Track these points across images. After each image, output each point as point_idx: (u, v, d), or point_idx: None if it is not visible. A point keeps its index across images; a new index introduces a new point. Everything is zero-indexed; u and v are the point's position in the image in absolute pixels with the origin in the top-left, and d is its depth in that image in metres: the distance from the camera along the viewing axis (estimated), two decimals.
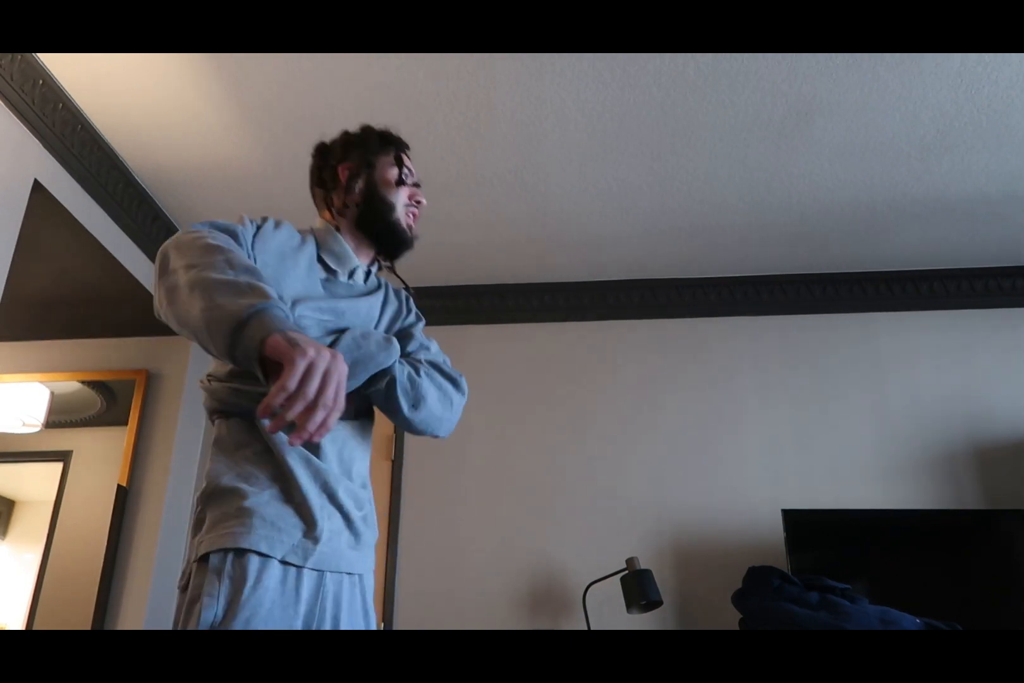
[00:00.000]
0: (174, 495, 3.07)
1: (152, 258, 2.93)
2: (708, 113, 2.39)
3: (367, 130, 1.45)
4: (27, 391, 3.17)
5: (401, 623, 2.86)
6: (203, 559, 1.09)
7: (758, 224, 2.94)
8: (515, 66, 2.21)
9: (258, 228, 1.25)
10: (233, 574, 1.05)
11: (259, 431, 1.18)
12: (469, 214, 2.90)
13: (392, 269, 1.47)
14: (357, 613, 1.20)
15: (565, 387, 3.25)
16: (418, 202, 1.43)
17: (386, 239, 1.40)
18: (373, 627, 1.24)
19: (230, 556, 1.07)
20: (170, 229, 2.95)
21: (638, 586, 2.66)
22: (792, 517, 2.69)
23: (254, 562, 1.07)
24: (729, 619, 2.55)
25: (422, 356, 1.37)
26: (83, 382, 3.24)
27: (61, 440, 3.19)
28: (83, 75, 2.26)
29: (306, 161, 2.70)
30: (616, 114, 2.40)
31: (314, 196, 1.47)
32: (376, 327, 1.37)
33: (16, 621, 2.85)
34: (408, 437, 3.20)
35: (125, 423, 3.12)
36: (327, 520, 1.16)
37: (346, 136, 1.45)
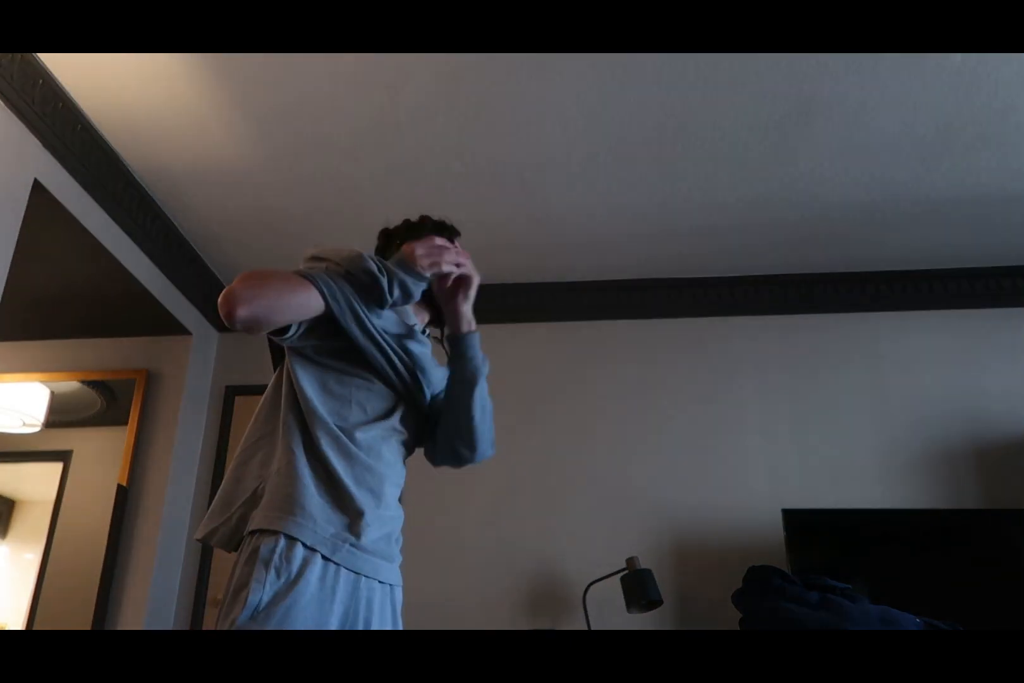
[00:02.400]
0: (174, 495, 3.07)
1: (152, 258, 2.93)
2: (708, 113, 2.39)
3: (424, 219, 1.62)
4: (27, 391, 3.17)
5: (400, 623, 2.85)
6: (254, 546, 1.19)
7: (758, 224, 2.94)
8: (515, 66, 2.21)
9: None
10: (279, 565, 1.16)
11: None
12: (469, 214, 2.89)
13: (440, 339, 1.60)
14: (387, 621, 1.30)
15: (565, 387, 3.24)
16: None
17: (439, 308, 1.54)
18: None
19: (280, 547, 1.18)
20: (170, 229, 2.95)
21: (638, 586, 2.66)
22: (792, 517, 2.69)
23: (299, 554, 1.18)
24: (729, 619, 2.55)
25: None
26: (83, 382, 3.23)
27: (61, 440, 3.19)
28: (83, 75, 2.26)
29: (306, 161, 2.70)
30: (616, 114, 2.39)
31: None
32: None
33: (16, 621, 2.85)
34: None
35: (125, 423, 3.12)
36: (370, 527, 1.27)
37: (407, 224, 1.62)
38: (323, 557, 1.20)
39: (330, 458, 1.27)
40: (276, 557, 1.17)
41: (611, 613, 2.76)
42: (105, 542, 2.90)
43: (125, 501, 2.99)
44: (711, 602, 2.79)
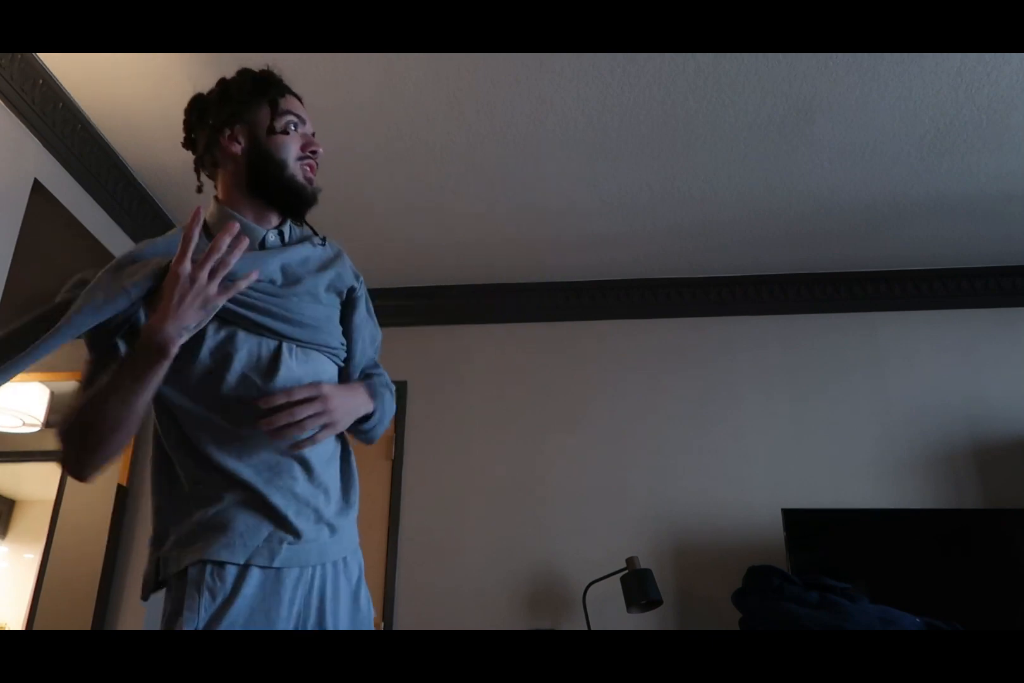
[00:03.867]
0: None
1: None
2: (708, 113, 2.39)
3: (242, 75, 1.28)
4: (27, 391, 3.17)
5: (401, 623, 2.86)
6: (180, 573, 1.08)
7: (758, 224, 2.94)
8: (515, 66, 2.21)
9: (134, 262, 1.15)
10: (212, 584, 1.05)
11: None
12: (469, 214, 2.90)
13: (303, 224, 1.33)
14: (345, 599, 1.18)
15: (565, 387, 3.24)
16: (313, 152, 1.27)
17: (284, 201, 1.25)
18: (365, 609, 1.22)
19: (208, 568, 1.06)
20: (170, 229, 2.94)
21: (638, 585, 2.66)
22: (792, 517, 2.69)
23: (231, 571, 1.06)
24: (729, 619, 2.55)
25: (376, 370, 1.36)
26: None
27: None
28: (83, 75, 2.26)
29: None
30: (616, 114, 2.40)
31: (198, 167, 1.32)
32: (311, 275, 1.26)
33: (16, 621, 2.86)
34: (408, 437, 3.20)
35: None
36: (297, 518, 1.14)
37: (221, 86, 1.29)
38: (260, 568, 1.08)
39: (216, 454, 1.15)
40: (208, 577, 1.05)
41: (611, 613, 2.76)
42: (105, 542, 2.90)
43: (125, 501, 2.99)
44: (711, 602, 2.79)
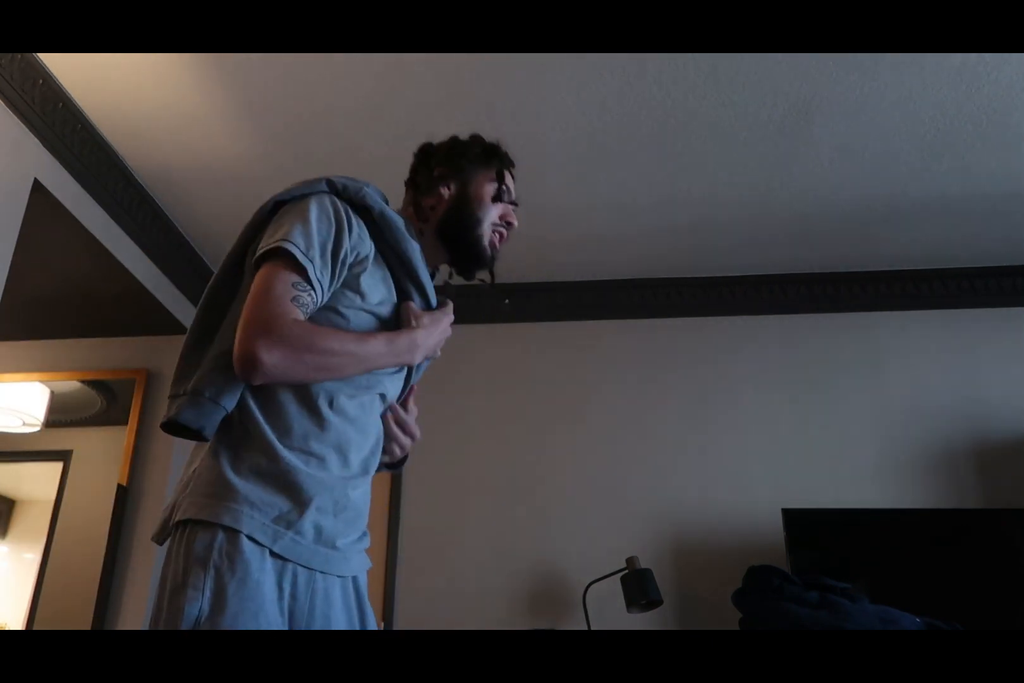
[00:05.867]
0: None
1: (152, 257, 2.93)
2: (708, 113, 2.39)
3: (475, 138, 1.41)
4: (27, 391, 3.17)
5: (401, 623, 2.86)
6: (185, 529, 1.03)
7: (758, 224, 2.94)
8: (515, 66, 2.21)
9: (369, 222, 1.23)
10: (220, 563, 0.98)
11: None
12: None
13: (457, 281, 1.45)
14: (352, 609, 1.14)
15: (565, 387, 3.24)
16: (508, 223, 1.38)
17: (463, 254, 1.35)
18: (371, 622, 1.19)
19: (218, 542, 1.00)
20: (170, 228, 2.95)
21: (638, 585, 2.66)
22: (792, 517, 2.68)
23: (243, 552, 1.00)
24: (729, 619, 2.55)
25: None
26: (83, 382, 3.23)
27: (61, 440, 3.19)
28: (83, 75, 2.26)
29: (306, 161, 2.70)
30: (616, 114, 2.39)
31: (406, 194, 1.42)
32: None
33: (16, 621, 2.85)
34: None
35: (125, 423, 3.12)
36: (346, 528, 1.13)
37: (452, 141, 1.42)
38: (271, 553, 1.02)
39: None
40: (215, 554, 0.99)
41: (611, 613, 2.76)
42: (105, 542, 2.90)
43: (125, 501, 2.99)
44: (711, 602, 2.79)
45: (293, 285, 1.05)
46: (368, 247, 1.18)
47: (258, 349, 0.98)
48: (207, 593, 0.96)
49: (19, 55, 2.12)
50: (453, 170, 1.35)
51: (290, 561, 1.04)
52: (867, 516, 2.76)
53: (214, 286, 1.18)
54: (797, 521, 2.68)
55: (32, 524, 3.08)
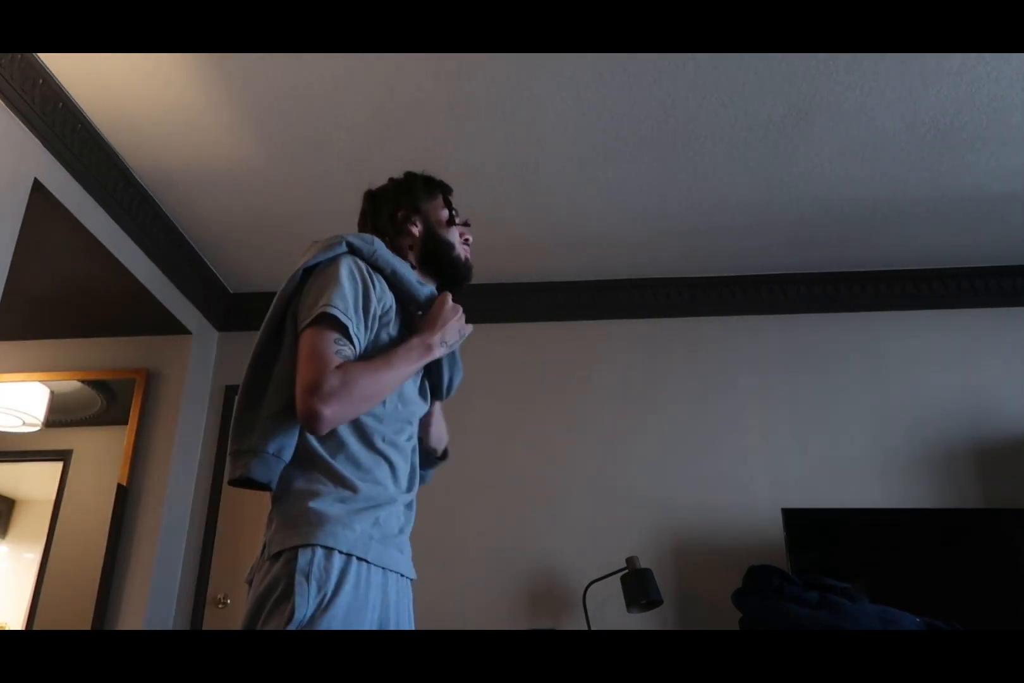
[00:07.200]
0: (174, 495, 3.07)
1: (152, 257, 2.93)
2: (708, 113, 2.39)
3: (410, 177, 1.61)
4: (27, 391, 3.17)
5: None
6: (281, 556, 1.17)
7: (758, 224, 2.94)
8: (515, 66, 2.21)
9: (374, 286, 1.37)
10: (320, 576, 1.14)
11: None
12: (469, 214, 2.88)
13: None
14: (409, 614, 1.30)
15: (565, 387, 3.24)
16: (466, 240, 1.58)
17: (450, 274, 1.54)
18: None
19: (318, 557, 1.15)
20: (170, 228, 2.95)
21: (638, 585, 2.66)
22: (792, 517, 2.68)
23: (337, 562, 1.16)
24: (729, 619, 2.55)
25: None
26: (83, 381, 3.24)
27: (61, 439, 3.19)
28: (83, 75, 2.26)
29: (306, 161, 2.70)
30: (616, 114, 2.39)
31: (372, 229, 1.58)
32: None
33: (16, 621, 2.85)
34: None
35: (125, 422, 3.12)
36: (397, 519, 1.30)
37: (394, 183, 1.60)
38: (358, 558, 1.19)
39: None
40: (316, 569, 1.14)
41: (611, 613, 2.77)
42: (105, 542, 2.90)
43: (125, 501, 2.99)
44: (711, 602, 2.79)
45: (335, 341, 1.24)
46: (390, 298, 1.37)
47: (317, 406, 1.17)
48: (311, 601, 1.11)
49: (19, 55, 2.13)
50: (411, 209, 1.53)
51: (380, 567, 1.21)
52: (867, 516, 2.76)
53: (259, 350, 1.34)
54: (797, 521, 2.68)
55: (32, 524, 3.08)
